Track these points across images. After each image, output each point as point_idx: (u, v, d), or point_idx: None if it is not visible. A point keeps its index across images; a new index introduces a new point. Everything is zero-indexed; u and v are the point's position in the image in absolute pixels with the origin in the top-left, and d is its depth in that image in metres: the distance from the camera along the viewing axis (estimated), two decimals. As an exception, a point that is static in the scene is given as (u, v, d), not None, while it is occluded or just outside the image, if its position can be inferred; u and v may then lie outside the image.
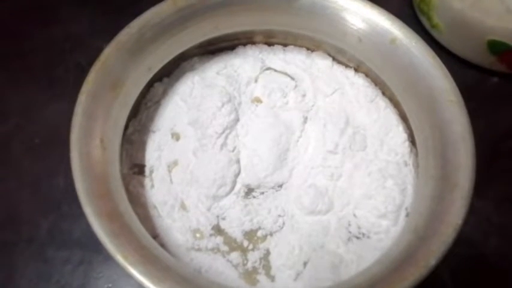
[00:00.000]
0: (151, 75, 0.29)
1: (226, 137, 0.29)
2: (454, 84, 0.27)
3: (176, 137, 0.30)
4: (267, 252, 0.27)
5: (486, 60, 0.38)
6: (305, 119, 0.31)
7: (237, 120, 0.30)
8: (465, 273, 0.31)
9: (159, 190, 0.28)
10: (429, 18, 0.40)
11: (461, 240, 0.32)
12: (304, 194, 0.28)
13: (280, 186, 0.29)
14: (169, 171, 0.28)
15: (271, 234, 0.28)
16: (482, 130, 0.36)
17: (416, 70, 0.28)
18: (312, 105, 0.31)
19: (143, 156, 0.29)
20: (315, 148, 0.29)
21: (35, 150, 0.35)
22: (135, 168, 0.28)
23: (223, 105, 0.29)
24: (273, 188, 0.29)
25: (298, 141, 0.30)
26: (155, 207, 0.27)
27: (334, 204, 0.28)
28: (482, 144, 0.36)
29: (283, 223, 0.28)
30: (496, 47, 0.37)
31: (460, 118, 0.26)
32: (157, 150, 0.29)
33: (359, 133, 0.30)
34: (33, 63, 0.39)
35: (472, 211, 0.33)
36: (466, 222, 0.33)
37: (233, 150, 0.29)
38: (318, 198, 0.28)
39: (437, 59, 0.27)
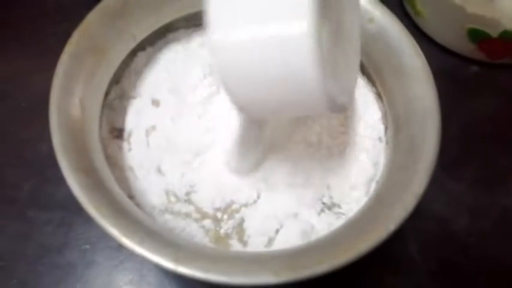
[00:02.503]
0: (135, 43, 0.30)
1: (205, 108, 0.30)
2: (425, 62, 0.28)
3: (156, 104, 0.30)
4: (242, 221, 0.28)
5: (467, 48, 0.39)
6: None
7: (218, 93, 0.31)
8: (433, 248, 0.33)
9: (136, 153, 0.28)
10: (413, 6, 0.41)
11: (432, 217, 0.34)
12: (282, 166, 0.29)
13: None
14: (147, 136, 0.29)
15: (246, 206, 0.29)
16: (462, 115, 0.38)
17: (391, 48, 0.28)
18: None
19: (123, 121, 0.29)
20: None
21: (20, 116, 0.36)
22: (114, 132, 0.29)
23: (205, 76, 0.30)
24: None
25: None
26: (132, 169, 0.28)
27: (311, 176, 0.29)
28: (459, 128, 0.38)
29: (258, 196, 0.29)
30: (475, 35, 0.38)
31: (429, 95, 0.27)
32: (137, 115, 0.30)
33: None
34: (24, 32, 0.40)
35: (445, 190, 0.35)
36: (438, 200, 0.34)
37: (211, 121, 0.30)
38: (296, 171, 0.29)
39: (411, 38, 0.28)
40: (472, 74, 0.41)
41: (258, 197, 0.29)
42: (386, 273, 0.32)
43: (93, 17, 0.27)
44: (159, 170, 0.28)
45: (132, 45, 0.30)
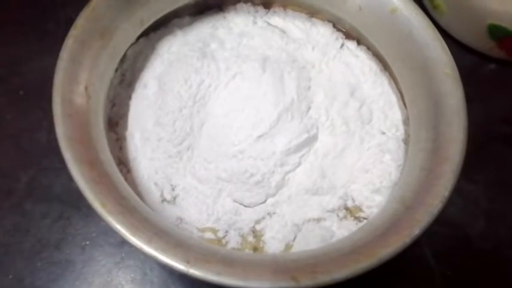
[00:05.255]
0: (143, 28, 0.28)
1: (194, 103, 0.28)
2: (451, 57, 0.26)
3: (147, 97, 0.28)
4: (256, 229, 0.26)
5: (486, 45, 0.38)
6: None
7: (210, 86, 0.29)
8: (448, 253, 0.31)
9: (129, 145, 0.27)
10: (431, -1, 0.39)
11: (447, 221, 0.32)
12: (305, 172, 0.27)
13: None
14: (136, 128, 0.28)
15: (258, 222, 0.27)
16: (477, 115, 0.36)
17: (415, 41, 0.27)
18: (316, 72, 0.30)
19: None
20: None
21: (18, 103, 0.34)
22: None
23: (186, 81, 0.28)
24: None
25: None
26: (125, 162, 0.27)
27: (336, 182, 0.27)
28: (475, 128, 0.36)
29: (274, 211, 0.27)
30: (496, 32, 0.36)
31: (455, 92, 0.25)
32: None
33: (365, 105, 0.29)
34: (24, 16, 0.38)
35: (461, 194, 0.33)
36: (453, 203, 0.33)
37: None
38: (319, 177, 0.27)
39: (436, 31, 0.27)
40: (490, 72, 0.39)
41: (274, 212, 0.27)
42: (400, 277, 0.31)
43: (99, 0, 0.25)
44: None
45: (139, 30, 0.28)
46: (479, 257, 0.32)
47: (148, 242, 0.20)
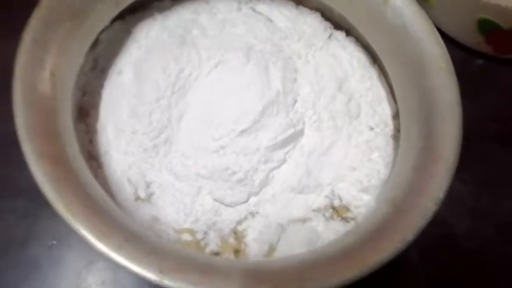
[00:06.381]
0: (118, 10, 0.26)
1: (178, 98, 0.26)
2: (445, 50, 0.25)
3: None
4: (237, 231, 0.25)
5: (474, 39, 0.37)
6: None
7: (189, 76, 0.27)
8: (433, 252, 0.31)
9: (100, 138, 0.25)
10: (421, -9, 0.38)
11: (433, 219, 0.31)
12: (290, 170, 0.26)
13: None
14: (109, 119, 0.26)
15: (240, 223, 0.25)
16: (463, 112, 0.36)
17: (408, 33, 0.26)
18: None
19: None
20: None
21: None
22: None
23: (164, 70, 0.26)
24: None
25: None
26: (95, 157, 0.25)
27: (322, 181, 0.26)
28: (463, 126, 0.36)
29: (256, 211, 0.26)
30: (485, 26, 0.35)
31: (449, 86, 0.24)
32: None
33: (353, 100, 0.28)
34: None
35: (447, 193, 0.33)
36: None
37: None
38: (304, 174, 0.26)
39: (431, 23, 0.26)
40: (477, 68, 0.38)
41: (257, 212, 0.26)
42: (384, 276, 0.29)
43: (68, -23, 0.23)
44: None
45: (114, 12, 0.26)
46: (465, 256, 0.31)
47: (118, 248, 0.18)
